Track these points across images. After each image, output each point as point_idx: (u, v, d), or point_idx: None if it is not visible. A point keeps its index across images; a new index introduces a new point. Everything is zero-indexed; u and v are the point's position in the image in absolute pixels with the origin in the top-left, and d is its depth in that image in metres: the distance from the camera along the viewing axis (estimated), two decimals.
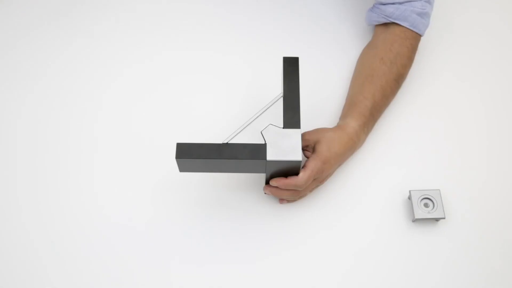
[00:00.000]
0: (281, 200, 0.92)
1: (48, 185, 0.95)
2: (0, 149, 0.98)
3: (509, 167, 0.96)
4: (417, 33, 0.98)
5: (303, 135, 0.90)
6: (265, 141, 0.81)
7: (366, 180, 0.95)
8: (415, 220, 0.90)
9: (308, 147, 0.90)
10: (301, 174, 0.85)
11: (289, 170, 0.84)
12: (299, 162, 0.81)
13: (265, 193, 0.91)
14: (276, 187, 0.87)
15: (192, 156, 0.80)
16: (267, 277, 0.87)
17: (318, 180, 0.89)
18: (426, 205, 0.90)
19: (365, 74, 0.98)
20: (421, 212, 0.89)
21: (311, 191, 0.91)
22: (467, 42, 1.09)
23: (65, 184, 0.95)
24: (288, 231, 0.91)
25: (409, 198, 0.91)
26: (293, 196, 0.89)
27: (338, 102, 1.00)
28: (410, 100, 1.02)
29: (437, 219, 0.90)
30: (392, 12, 0.96)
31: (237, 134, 0.82)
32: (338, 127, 0.93)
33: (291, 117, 0.83)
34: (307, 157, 0.89)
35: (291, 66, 0.87)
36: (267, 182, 0.88)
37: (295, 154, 0.81)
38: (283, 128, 0.83)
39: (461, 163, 0.96)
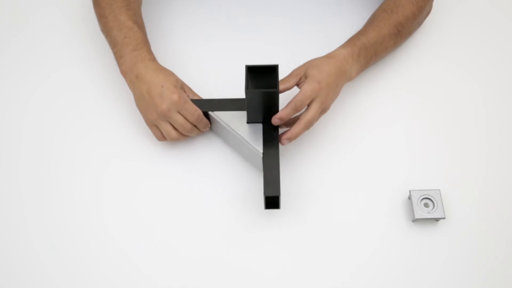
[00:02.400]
0: (284, 140, 0.90)
1: (50, 186, 0.95)
2: (5, 151, 0.98)
3: (510, 167, 0.96)
4: None
5: (292, 71, 0.92)
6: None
7: (366, 180, 0.95)
8: (415, 220, 0.90)
9: (301, 79, 0.91)
10: (298, 93, 0.88)
11: (268, 104, 0.88)
12: (276, 91, 0.85)
13: (284, 144, 0.91)
14: (287, 130, 0.89)
15: None
16: (267, 278, 0.88)
17: (321, 104, 0.90)
18: (426, 205, 0.90)
19: (367, 22, 1.02)
20: (421, 212, 0.89)
21: (317, 119, 0.91)
22: (468, 38, 1.09)
23: (67, 184, 0.95)
24: (287, 231, 0.91)
25: (409, 198, 0.91)
26: (305, 128, 0.90)
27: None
28: (410, 100, 1.02)
29: (437, 219, 0.90)
30: None
31: None
32: (326, 55, 0.95)
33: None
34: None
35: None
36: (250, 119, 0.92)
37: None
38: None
39: (461, 163, 0.96)
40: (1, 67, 1.07)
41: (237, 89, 0.94)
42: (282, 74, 0.90)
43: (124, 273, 0.88)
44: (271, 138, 0.90)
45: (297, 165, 0.95)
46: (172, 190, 0.94)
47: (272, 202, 0.88)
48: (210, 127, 0.97)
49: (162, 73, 0.92)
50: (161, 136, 0.94)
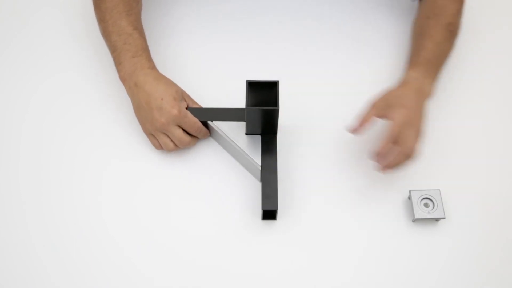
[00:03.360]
0: (385, 169, 0.88)
1: (50, 186, 0.95)
2: (5, 151, 0.98)
3: (510, 167, 0.96)
4: None
5: (371, 105, 0.90)
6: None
7: (367, 180, 0.95)
8: (415, 220, 0.90)
9: (381, 110, 0.89)
10: (392, 125, 0.86)
11: (268, 120, 0.89)
12: (276, 109, 0.86)
13: (383, 171, 0.89)
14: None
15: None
16: (268, 278, 0.88)
17: (415, 127, 0.88)
18: (426, 205, 0.90)
19: (415, 34, 1.01)
20: (421, 212, 0.89)
21: (415, 144, 0.88)
22: (478, 48, 1.09)
23: (67, 184, 0.95)
24: (287, 232, 0.91)
25: (409, 198, 0.91)
26: (404, 156, 0.87)
27: None
28: None
29: (437, 219, 0.90)
30: None
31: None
32: (400, 83, 0.94)
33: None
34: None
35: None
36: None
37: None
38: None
39: (461, 163, 0.96)
40: (1, 67, 1.07)
41: (237, 92, 0.94)
42: (282, 86, 0.89)
43: (124, 273, 0.88)
44: (269, 150, 0.91)
45: (295, 165, 0.95)
46: (172, 191, 0.94)
47: (269, 214, 0.89)
48: (210, 135, 0.97)
49: (162, 83, 0.92)
50: (159, 146, 0.94)
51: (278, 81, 0.86)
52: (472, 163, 0.96)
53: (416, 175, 0.95)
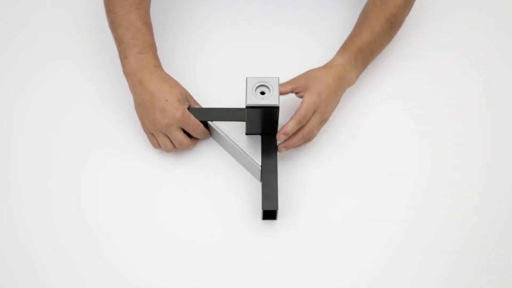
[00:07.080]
0: (281, 148, 0.92)
1: (50, 187, 0.95)
2: (5, 152, 0.98)
3: (510, 166, 0.96)
4: None
5: (292, 79, 0.92)
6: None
7: (367, 180, 0.95)
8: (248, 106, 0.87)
9: (297, 89, 0.91)
10: (301, 107, 0.88)
11: (268, 119, 0.88)
12: (277, 107, 0.85)
13: (280, 151, 0.92)
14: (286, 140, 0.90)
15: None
16: (268, 278, 0.88)
17: (321, 115, 0.90)
18: (262, 93, 0.86)
19: (358, 19, 1.00)
20: (254, 98, 0.86)
21: (318, 130, 0.93)
22: (463, 31, 1.09)
23: (67, 184, 0.95)
24: (287, 231, 0.91)
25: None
26: (303, 139, 0.91)
27: None
28: (408, 100, 1.02)
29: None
30: None
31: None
32: (325, 65, 0.94)
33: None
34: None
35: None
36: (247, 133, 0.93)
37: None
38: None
39: (461, 163, 0.96)
40: (1, 67, 1.07)
41: (237, 92, 0.94)
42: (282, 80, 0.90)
43: (122, 274, 0.88)
44: (270, 150, 0.91)
45: (295, 165, 0.96)
46: (172, 191, 0.94)
47: (269, 214, 0.89)
48: (210, 135, 0.97)
49: (167, 84, 0.91)
50: (157, 145, 0.94)
51: (277, 78, 0.86)
52: (472, 163, 0.96)
53: (418, 180, 0.95)
